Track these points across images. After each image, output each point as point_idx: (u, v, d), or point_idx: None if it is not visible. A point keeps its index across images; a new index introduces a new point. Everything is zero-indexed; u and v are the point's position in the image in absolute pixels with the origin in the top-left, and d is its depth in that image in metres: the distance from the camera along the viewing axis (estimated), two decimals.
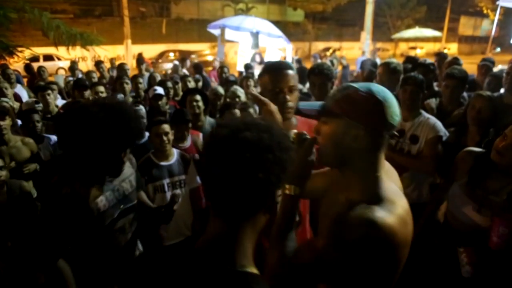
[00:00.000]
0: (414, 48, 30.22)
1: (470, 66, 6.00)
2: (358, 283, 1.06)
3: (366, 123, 1.05)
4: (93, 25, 20.30)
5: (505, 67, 5.02)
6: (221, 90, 4.41)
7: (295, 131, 1.25)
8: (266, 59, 8.87)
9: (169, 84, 4.91)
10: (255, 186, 0.86)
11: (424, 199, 2.69)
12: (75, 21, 19.16)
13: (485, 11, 30.88)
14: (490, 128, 2.48)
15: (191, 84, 5.41)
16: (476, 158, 1.95)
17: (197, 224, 2.19)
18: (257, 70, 7.13)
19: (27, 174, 3.03)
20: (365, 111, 1.06)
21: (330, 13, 29.62)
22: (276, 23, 12.44)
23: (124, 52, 20.78)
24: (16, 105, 4.55)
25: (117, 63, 8.37)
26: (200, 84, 6.04)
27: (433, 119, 2.64)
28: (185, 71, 7.67)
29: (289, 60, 9.40)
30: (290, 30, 25.86)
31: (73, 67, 7.57)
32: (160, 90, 4.25)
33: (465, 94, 3.47)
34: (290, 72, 1.71)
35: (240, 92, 4.27)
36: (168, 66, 17.02)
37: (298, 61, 9.50)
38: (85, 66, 14.52)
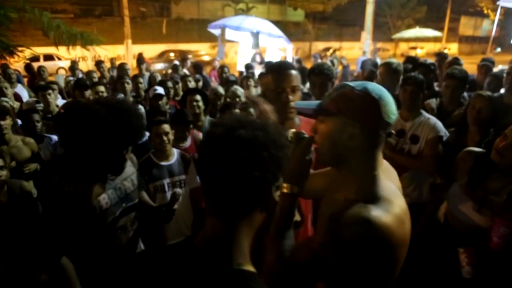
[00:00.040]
0: (414, 48, 30.19)
1: (470, 66, 5.99)
2: (355, 282, 1.06)
3: (361, 121, 1.06)
4: (94, 25, 20.30)
5: (505, 67, 5.02)
6: (221, 90, 4.41)
7: (294, 130, 1.26)
8: (266, 59, 8.87)
9: (170, 84, 4.92)
10: (251, 184, 0.86)
11: (424, 199, 2.69)
12: (75, 21, 19.16)
13: (485, 11, 30.87)
14: (490, 128, 2.48)
15: (192, 84, 5.42)
16: (476, 158, 1.95)
17: (198, 224, 2.19)
18: (257, 70, 7.14)
19: (27, 174, 3.03)
20: (360, 110, 1.06)
21: (331, 13, 29.61)
22: (277, 23, 12.44)
23: (125, 52, 20.78)
24: (16, 104, 4.55)
25: (117, 63, 8.38)
26: (201, 84, 6.04)
27: (433, 119, 2.64)
28: (185, 71, 7.67)
29: (289, 60, 9.40)
30: (290, 30, 25.85)
31: (73, 67, 7.58)
32: (160, 90, 4.25)
33: (465, 94, 3.47)
34: (293, 72, 1.72)
35: (240, 92, 4.27)
36: (159, 66, 16.99)
37: (298, 61, 9.50)
38: (86, 66, 14.53)
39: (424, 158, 2.57)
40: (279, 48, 10.02)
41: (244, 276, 0.87)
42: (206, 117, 3.67)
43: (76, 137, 1.56)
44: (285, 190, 1.19)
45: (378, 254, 0.99)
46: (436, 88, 4.00)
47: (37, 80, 6.64)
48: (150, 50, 21.12)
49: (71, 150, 1.62)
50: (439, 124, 2.62)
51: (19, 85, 5.77)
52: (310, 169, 1.27)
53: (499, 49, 28.13)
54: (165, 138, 2.74)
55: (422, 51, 29.41)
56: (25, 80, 7.58)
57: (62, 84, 6.53)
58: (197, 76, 6.45)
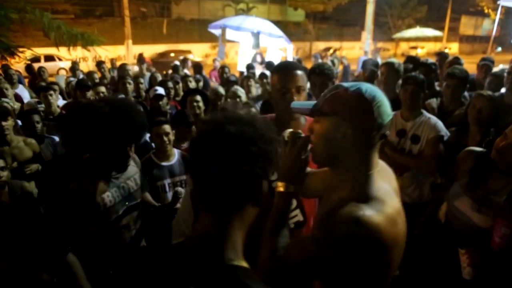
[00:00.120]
0: (415, 47, 30.18)
1: (471, 65, 5.99)
2: (348, 281, 1.07)
3: (354, 121, 1.06)
4: (94, 26, 20.32)
5: (506, 66, 5.02)
6: (221, 90, 4.41)
7: (290, 130, 1.27)
8: (267, 59, 8.87)
9: (170, 84, 4.92)
10: (241, 179, 0.87)
11: (425, 198, 2.69)
12: (76, 21, 19.17)
13: (486, 11, 30.81)
14: (491, 127, 2.47)
15: (192, 84, 5.42)
16: (477, 157, 1.95)
17: None
18: (258, 70, 7.14)
19: (29, 174, 3.04)
20: (353, 110, 1.06)
21: (331, 13, 29.61)
22: (277, 23, 12.46)
23: (125, 52, 20.81)
24: (17, 105, 4.56)
25: (118, 63, 8.39)
26: (201, 84, 6.05)
27: (434, 119, 2.64)
28: (186, 71, 7.68)
29: (290, 60, 9.39)
30: (291, 30, 25.86)
31: (74, 67, 7.59)
32: (161, 90, 4.26)
33: (466, 93, 3.47)
34: (299, 72, 1.72)
35: (241, 92, 4.26)
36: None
37: (299, 61, 9.48)
38: (86, 66, 14.55)
39: (425, 157, 2.57)
40: (279, 48, 10.03)
41: (236, 272, 0.87)
42: None
43: (81, 134, 1.59)
44: (281, 189, 1.21)
45: (369, 254, 1.00)
46: (437, 88, 4.00)
47: (37, 80, 6.66)
48: (151, 51, 21.13)
49: (76, 148, 1.64)
50: (440, 124, 2.62)
51: (21, 86, 5.78)
52: (307, 168, 1.28)
53: (499, 49, 28.10)
54: (165, 138, 2.74)
55: (422, 51, 29.40)
56: (26, 80, 7.59)
57: (62, 84, 6.54)
58: (198, 76, 6.45)
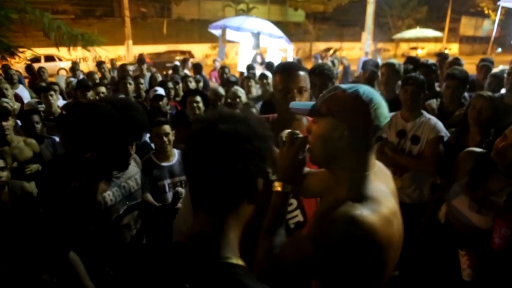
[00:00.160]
0: (415, 48, 30.20)
1: (471, 66, 5.99)
2: (343, 280, 1.07)
3: (351, 123, 1.07)
4: (94, 26, 20.33)
5: (506, 67, 5.02)
6: (221, 90, 4.41)
7: (289, 130, 1.28)
8: (267, 60, 8.87)
9: (170, 84, 4.92)
10: (235, 177, 0.88)
11: (425, 199, 2.69)
12: (76, 21, 19.17)
13: (486, 12, 30.82)
14: (491, 128, 2.47)
15: (192, 85, 5.42)
16: (477, 158, 1.95)
17: None
18: (258, 71, 7.14)
19: (29, 174, 3.04)
20: (350, 112, 1.07)
21: (331, 14, 29.62)
22: (277, 24, 12.45)
23: (125, 53, 20.82)
24: (17, 105, 4.56)
25: (118, 63, 8.39)
26: (201, 85, 6.05)
27: (434, 120, 2.64)
28: (186, 71, 7.68)
29: (290, 60, 9.40)
30: (291, 31, 25.87)
31: (74, 67, 7.60)
32: (161, 90, 4.26)
33: (466, 94, 3.47)
34: (301, 73, 1.72)
35: (241, 92, 4.27)
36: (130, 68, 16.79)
37: (299, 62, 9.50)
38: (86, 66, 14.55)
39: (425, 158, 2.57)
40: (279, 48, 10.03)
41: (231, 269, 0.87)
42: None
43: (82, 132, 1.61)
44: (278, 188, 1.23)
45: (363, 253, 1.00)
46: (437, 89, 4.00)
47: (38, 81, 6.66)
48: (151, 51, 21.14)
49: (77, 146, 1.66)
50: (440, 125, 2.62)
51: (21, 86, 5.78)
52: (305, 168, 1.30)
53: (500, 49, 28.11)
54: (165, 139, 2.74)
55: (422, 52, 29.42)
56: (26, 81, 7.59)
57: (63, 85, 6.54)
58: (198, 76, 6.45)
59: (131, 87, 4.90)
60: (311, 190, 1.40)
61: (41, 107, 4.02)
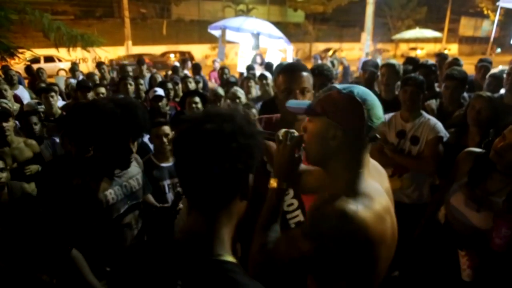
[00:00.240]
0: (414, 49, 30.20)
1: (470, 67, 5.99)
2: (335, 275, 1.08)
3: (344, 123, 1.08)
4: (94, 26, 20.34)
5: (505, 67, 5.02)
6: (221, 91, 4.41)
7: (285, 129, 1.30)
8: (266, 60, 8.87)
9: (169, 85, 4.92)
10: (224, 176, 0.88)
11: (424, 199, 2.70)
12: (76, 22, 19.20)
13: (485, 12, 30.85)
14: (490, 128, 2.48)
15: (192, 85, 5.42)
16: (476, 158, 1.95)
17: None
18: (257, 71, 7.14)
19: (29, 175, 3.04)
20: (344, 112, 1.09)
21: (331, 14, 29.64)
22: (277, 24, 12.45)
23: (125, 53, 20.81)
24: (16, 106, 4.56)
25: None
26: (201, 85, 6.05)
27: (433, 120, 2.65)
28: (186, 72, 7.67)
29: (289, 61, 9.40)
30: (290, 31, 25.89)
31: (73, 68, 7.59)
32: (160, 91, 4.25)
33: (465, 94, 3.47)
34: (304, 73, 1.73)
35: (241, 93, 4.27)
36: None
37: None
38: (86, 67, 14.55)
39: (425, 158, 2.57)
40: (279, 49, 10.03)
41: (223, 266, 0.88)
42: None
43: (86, 130, 1.64)
44: (274, 185, 1.25)
45: (354, 247, 1.01)
46: (437, 89, 4.01)
47: (37, 81, 6.66)
48: (151, 51, 21.15)
49: (80, 144, 1.67)
50: (439, 125, 2.62)
51: (21, 87, 5.78)
52: (302, 166, 1.32)
53: (499, 50, 28.14)
54: (165, 139, 2.75)
55: (422, 52, 29.41)
56: (26, 81, 7.59)
57: (62, 85, 6.54)
58: (197, 77, 6.45)
59: (131, 88, 4.90)
60: (308, 187, 1.42)
61: (41, 108, 4.02)
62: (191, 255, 0.89)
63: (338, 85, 1.14)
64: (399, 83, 3.08)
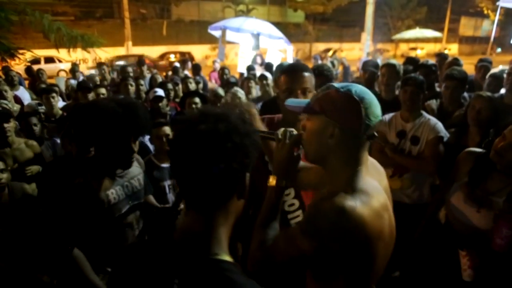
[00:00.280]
0: (414, 48, 30.20)
1: (470, 66, 5.99)
2: (333, 271, 1.09)
3: (341, 121, 1.09)
4: (94, 27, 20.37)
5: (506, 67, 5.02)
6: (221, 91, 4.41)
7: (284, 128, 1.31)
8: (266, 61, 8.88)
9: (170, 85, 4.92)
10: (219, 176, 0.89)
11: (425, 199, 2.70)
12: (76, 23, 19.22)
13: (485, 12, 30.83)
14: (490, 128, 2.48)
15: (192, 86, 5.42)
16: (477, 158, 1.95)
17: None
18: (257, 72, 7.14)
19: (29, 176, 3.04)
20: (341, 110, 1.09)
21: (331, 14, 29.65)
22: (277, 24, 12.45)
23: (125, 54, 20.82)
24: (17, 107, 4.57)
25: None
26: (201, 86, 6.05)
27: (433, 120, 2.65)
28: (186, 72, 7.68)
29: (289, 61, 9.40)
30: (290, 31, 25.90)
31: (74, 69, 7.60)
32: (160, 92, 4.25)
33: (465, 94, 3.47)
34: (306, 74, 1.73)
35: (241, 93, 4.27)
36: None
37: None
38: (86, 68, 14.56)
39: (425, 158, 2.57)
40: (279, 49, 10.03)
41: (220, 266, 0.88)
42: None
43: (88, 129, 1.65)
44: (273, 183, 1.26)
45: (352, 243, 1.02)
46: (437, 89, 4.01)
47: (37, 82, 6.66)
48: (151, 52, 21.16)
49: (82, 145, 1.68)
50: (440, 125, 2.62)
51: (21, 88, 5.78)
52: (301, 163, 1.33)
53: (499, 50, 28.14)
54: (165, 140, 2.75)
55: (422, 52, 29.40)
56: (26, 82, 7.60)
57: (62, 86, 6.55)
58: (197, 77, 6.46)
59: (132, 89, 4.90)
60: (307, 183, 1.43)
61: (42, 108, 4.02)
62: (188, 254, 0.90)
63: (336, 84, 1.15)
64: (399, 83, 3.08)
